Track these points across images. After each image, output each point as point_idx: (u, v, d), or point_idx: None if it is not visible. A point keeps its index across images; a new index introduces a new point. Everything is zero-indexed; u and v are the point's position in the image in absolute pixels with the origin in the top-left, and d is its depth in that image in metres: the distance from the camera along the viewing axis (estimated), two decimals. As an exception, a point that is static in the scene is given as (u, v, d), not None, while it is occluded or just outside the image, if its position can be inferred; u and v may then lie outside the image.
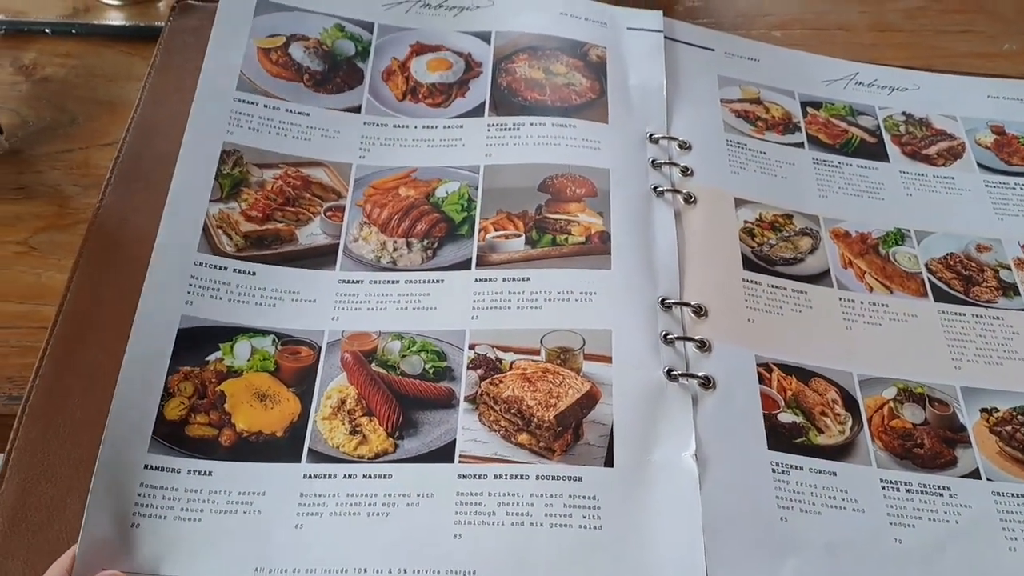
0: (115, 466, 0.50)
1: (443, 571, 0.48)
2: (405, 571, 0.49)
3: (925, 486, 0.54)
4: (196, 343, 0.56)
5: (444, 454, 0.53)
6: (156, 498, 0.50)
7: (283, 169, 0.65)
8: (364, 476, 0.52)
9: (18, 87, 0.75)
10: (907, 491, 0.54)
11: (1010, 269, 0.65)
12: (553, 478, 0.52)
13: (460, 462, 0.52)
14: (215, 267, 0.59)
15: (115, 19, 0.81)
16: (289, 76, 0.69)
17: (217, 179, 0.63)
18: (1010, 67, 0.82)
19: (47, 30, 0.79)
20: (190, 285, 0.57)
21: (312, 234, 0.62)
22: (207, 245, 0.60)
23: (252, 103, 0.67)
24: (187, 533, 0.49)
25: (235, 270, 0.59)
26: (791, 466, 0.54)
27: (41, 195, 0.68)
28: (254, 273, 0.59)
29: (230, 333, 0.57)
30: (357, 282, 0.60)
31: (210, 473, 0.51)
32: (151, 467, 0.51)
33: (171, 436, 0.52)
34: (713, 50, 0.76)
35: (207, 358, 0.56)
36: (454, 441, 0.53)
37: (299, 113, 0.68)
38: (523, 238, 0.62)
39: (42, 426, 0.53)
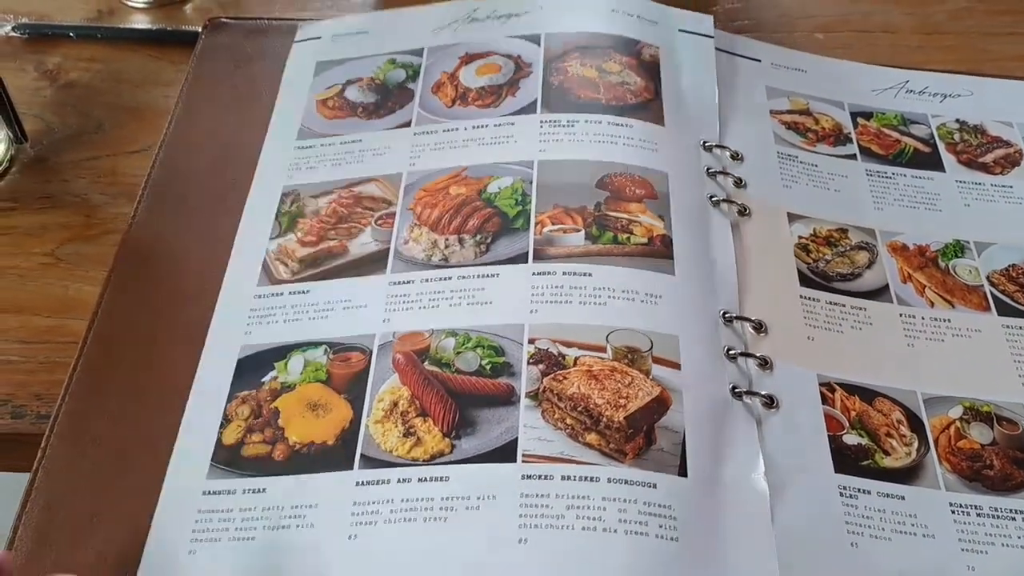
0: (175, 500, 0.49)
1: None
2: None
3: (996, 510, 0.52)
4: (253, 368, 0.55)
5: (505, 453, 0.49)
6: (212, 522, 0.49)
7: (336, 193, 0.64)
8: (419, 480, 0.49)
9: (42, 92, 0.73)
10: (978, 515, 0.51)
11: (1075, 282, 0.63)
12: (626, 482, 0.48)
13: (524, 462, 0.49)
14: (273, 295, 0.58)
15: (141, 22, 0.79)
16: (344, 115, 0.69)
17: (276, 218, 0.62)
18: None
19: (71, 34, 0.77)
20: (249, 317, 0.57)
21: (363, 244, 0.61)
22: (266, 277, 0.59)
23: (310, 147, 0.66)
24: (241, 553, 0.47)
25: (290, 292, 0.58)
26: (859, 490, 0.51)
27: (67, 204, 0.66)
28: (308, 291, 0.58)
29: (285, 351, 0.55)
30: (408, 282, 0.58)
31: (264, 490, 0.50)
32: (208, 492, 0.50)
33: (228, 460, 0.51)
34: (760, 61, 0.73)
35: (263, 379, 0.54)
36: (516, 440, 0.50)
37: (352, 142, 0.66)
38: (583, 233, 0.59)
39: (69, 446, 0.51)
